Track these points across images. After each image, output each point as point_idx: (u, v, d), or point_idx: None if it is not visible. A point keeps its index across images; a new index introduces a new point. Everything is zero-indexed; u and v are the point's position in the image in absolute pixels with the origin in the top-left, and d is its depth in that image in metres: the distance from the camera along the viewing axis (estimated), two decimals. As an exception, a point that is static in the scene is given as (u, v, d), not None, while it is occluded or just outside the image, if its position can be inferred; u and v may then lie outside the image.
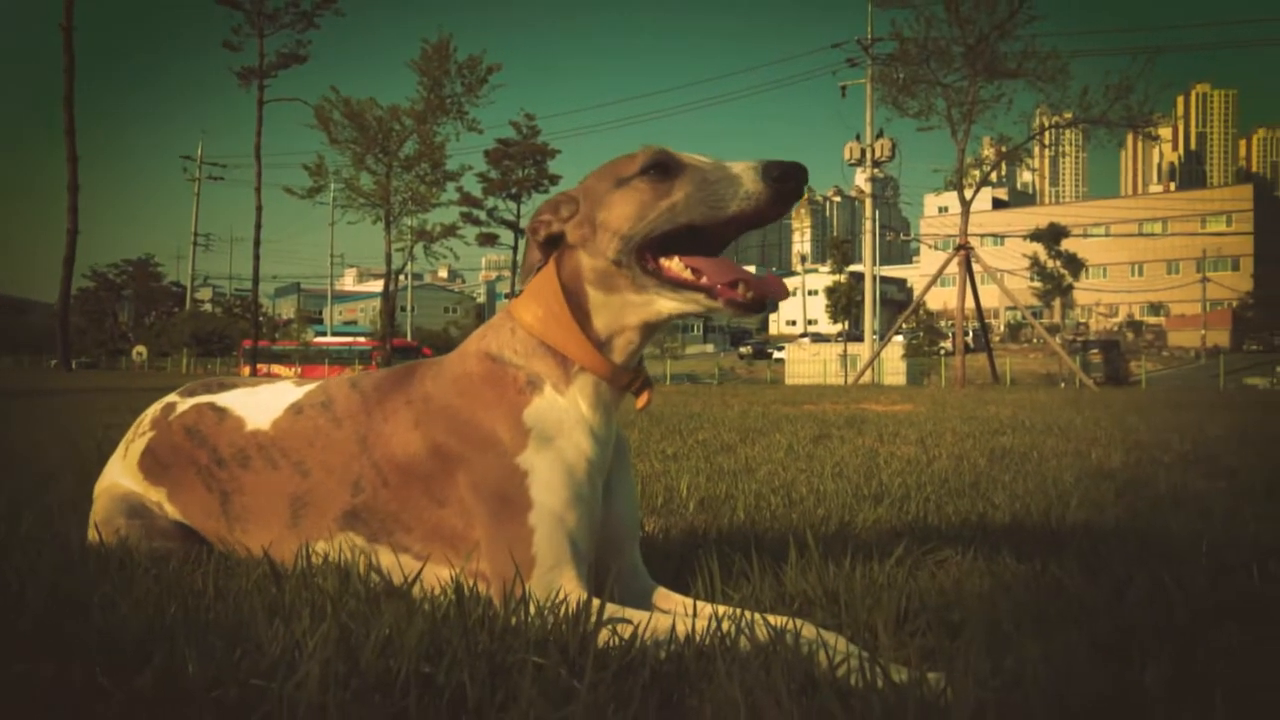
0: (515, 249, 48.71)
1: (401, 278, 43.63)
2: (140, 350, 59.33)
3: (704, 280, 1.51)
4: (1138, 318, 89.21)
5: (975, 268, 25.95)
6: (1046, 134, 26.71)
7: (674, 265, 1.53)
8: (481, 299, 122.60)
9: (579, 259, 1.58)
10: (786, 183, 1.45)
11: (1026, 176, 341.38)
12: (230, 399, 1.87)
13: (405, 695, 1.03)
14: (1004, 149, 25.16)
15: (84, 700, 1.03)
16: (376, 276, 69.41)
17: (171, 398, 1.99)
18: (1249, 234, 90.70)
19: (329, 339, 60.52)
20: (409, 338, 65.48)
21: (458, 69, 38.18)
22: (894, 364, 41.04)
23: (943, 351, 49.19)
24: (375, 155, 38.27)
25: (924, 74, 23.61)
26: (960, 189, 24.94)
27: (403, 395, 1.67)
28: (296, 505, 1.71)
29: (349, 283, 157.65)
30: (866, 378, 32.40)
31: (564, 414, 1.57)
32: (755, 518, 2.74)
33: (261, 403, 1.83)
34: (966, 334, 61.67)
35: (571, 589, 1.46)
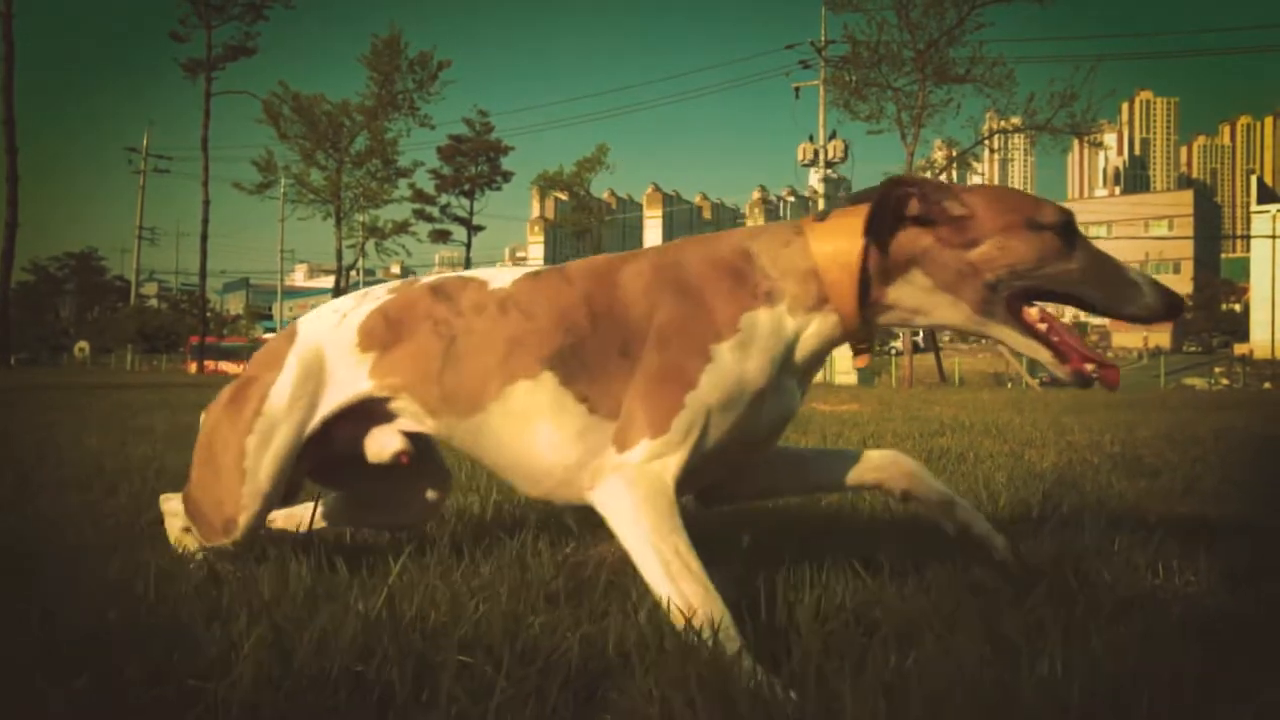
0: (469, 246, 48.49)
1: (354, 274, 43.25)
2: (82, 346, 57.93)
3: (1058, 342, 1.65)
4: (1084, 319, 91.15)
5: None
6: (994, 139, 27.21)
7: (1033, 313, 1.66)
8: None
9: (927, 246, 1.64)
10: (1173, 311, 1.64)
11: (978, 179, 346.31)
12: (479, 271, 2.05)
13: (336, 693, 1.08)
14: (954, 152, 25.59)
15: (26, 701, 1.07)
16: (328, 272, 68.59)
17: (388, 287, 2.11)
18: (1189, 238, 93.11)
19: (279, 336, 59.57)
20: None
21: (409, 65, 37.92)
22: (845, 363, 41.38)
23: (894, 351, 49.79)
24: (325, 151, 37.88)
25: (875, 77, 23.97)
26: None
27: (652, 258, 1.83)
28: (512, 345, 1.84)
29: (300, 278, 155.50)
30: (818, 377, 32.65)
31: (778, 337, 1.68)
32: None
33: (510, 273, 2.00)
34: (916, 334, 62.45)
35: (670, 476, 1.60)
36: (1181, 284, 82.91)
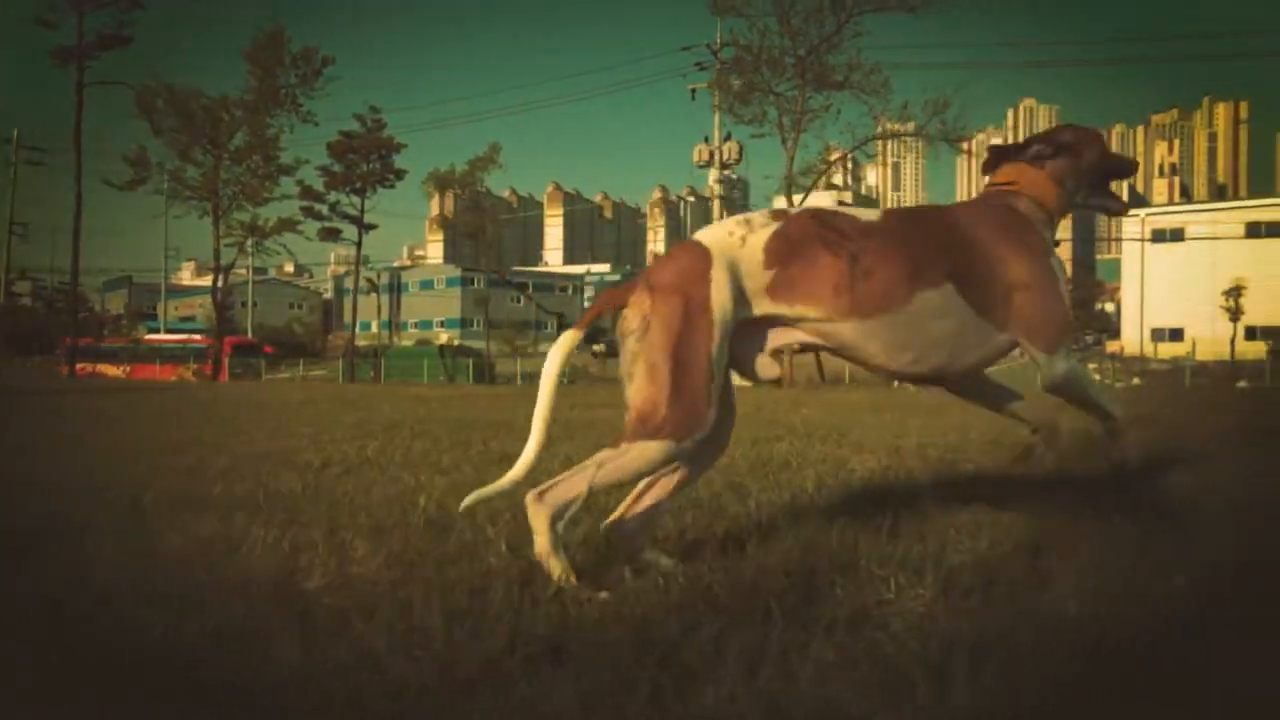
0: (360, 244, 47.37)
1: (243, 271, 41.80)
2: (-54, 349, 54.68)
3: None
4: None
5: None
6: (874, 143, 27.79)
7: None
8: (329, 294, 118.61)
9: (1064, 178, 2.77)
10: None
11: (872, 180, 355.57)
12: (827, 207, 2.74)
13: None
14: (848, 154, 26.20)
15: None
16: (228, 270, 66.24)
17: (763, 215, 2.55)
18: (1068, 240, 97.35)
19: (162, 336, 57.32)
20: (249, 334, 62.81)
21: (292, 60, 36.84)
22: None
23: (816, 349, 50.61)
24: (203, 146, 36.53)
25: (758, 82, 24.34)
26: (789, 195, 25.83)
27: (980, 206, 2.74)
28: (913, 264, 2.46)
29: (186, 277, 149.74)
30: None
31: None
32: (477, 539, 2.79)
33: (861, 210, 2.67)
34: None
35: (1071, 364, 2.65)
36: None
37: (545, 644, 1.70)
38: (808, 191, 27.05)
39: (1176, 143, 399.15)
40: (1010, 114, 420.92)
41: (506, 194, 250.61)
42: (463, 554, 2.61)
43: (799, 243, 2.42)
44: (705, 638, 1.72)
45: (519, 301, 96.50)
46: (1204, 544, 2.72)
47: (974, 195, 2.88)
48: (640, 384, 2.34)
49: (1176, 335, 65.25)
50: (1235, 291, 49.81)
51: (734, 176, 40.89)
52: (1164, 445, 5.65)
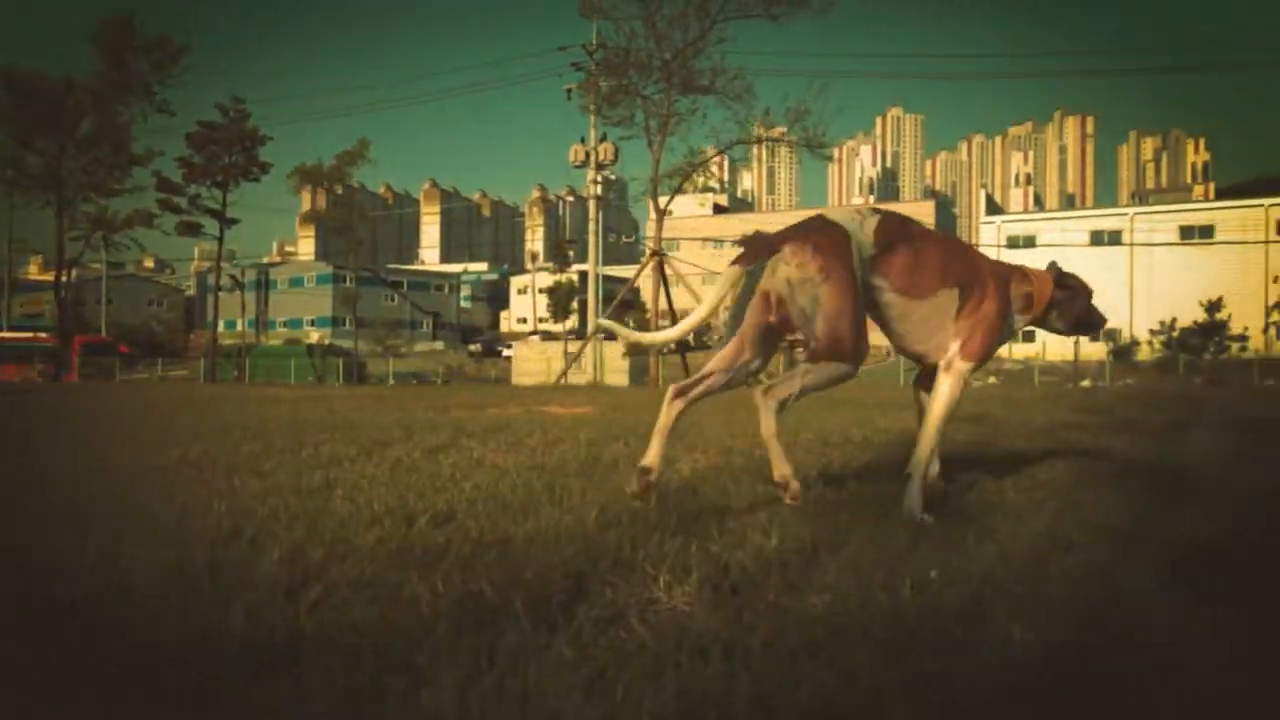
0: (221, 239, 45.57)
1: (96, 266, 39.51)
2: None
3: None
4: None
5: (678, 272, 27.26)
6: (749, 147, 28.25)
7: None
8: (191, 291, 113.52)
9: (1058, 303, 3.81)
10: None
11: (748, 184, 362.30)
12: (908, 216, 3.60)
13: None
14: (710, 160, 26.58)
15: None
16: (72, 265, 62.58)
17: (867, 209, 3.48)
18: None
19: (4, 334, 53.81)
20: (103, 332, 59.59)
21: (145, 45, 35.07)
22: (616, 362, 42.13)
23: (666, 350, 51.09)
24: (45, 133, 34.38)
25: (625, 84, 24.50)
26: (655, 197, 26.11)
27: (1005, 270, 3.73)
28: (947, 265, 3.42)
29: (35, 271, 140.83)
30: (588, 377, 33.10)
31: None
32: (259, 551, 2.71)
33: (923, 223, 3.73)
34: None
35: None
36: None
37: (282, 651, 1.66)
38: (674, 194, 27.35)
39: (1031, 154, 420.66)
40: (878, 122, 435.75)
41: (382, 190, 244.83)
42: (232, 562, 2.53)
43: (891, 233, 3.38)
44: (442, 640, 1.71)
45: (393, 300, 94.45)
46: (968, 538, 2.86)
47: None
48: (829, 318, 3.15)
49: (1029, 336, 68.71)
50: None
51: (612, 177, 40.99)
52: (982, 442, 5.93)
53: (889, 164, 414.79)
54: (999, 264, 3.71)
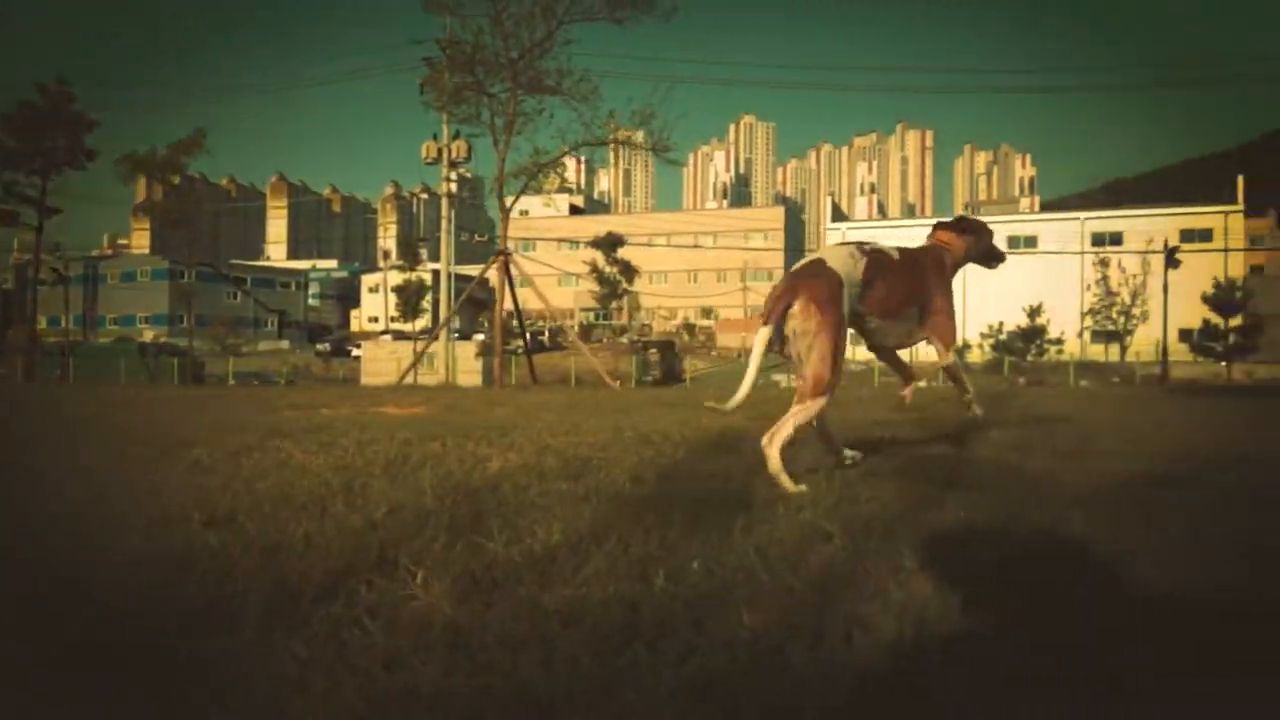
0: (40, 229, 42.52)
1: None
2: None
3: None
4: (693, 320, 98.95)
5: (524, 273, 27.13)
6: (605, 149, 28.25)
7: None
8: (8, 284, 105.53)
9: (969, 247, 4.85)
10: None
11: (604, 185, 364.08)
12: (883, 248, 4.42)
13: None
14: (558, 160, 26.55)
15: None
16: None
17: (839, 245, 4.36)
18: (780, 250, 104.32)
19: None
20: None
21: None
22: (468, 363, 41.57)
23: (519, 350, 50.74)
24: None
25: (471, 82, 24.21)
26: (500, 196, 25.91)
27: (930, 254, 4.60)
28: (910, 287, 4.34)
29: None
30: (439, 377, 32.51)
31: None
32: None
33: (893, 249, 4.48)
34: (542, 335, 63.82)
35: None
36: (766, 291, 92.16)
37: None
38: (519, 194, 27.20)
39: (875, 163, 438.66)
40: (732, 129, 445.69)
41: (224, 183, 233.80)
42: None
43: (873, 270, 4.23)
44: (163, 646, 1.66)
45: (235, 297, 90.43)
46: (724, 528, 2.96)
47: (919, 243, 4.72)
48: (815, 366, 4.04)
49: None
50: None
51: (468, 175, 40.33)
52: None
53: (742, 170, 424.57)
54: (935, 255, 4.62)
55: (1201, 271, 56.79)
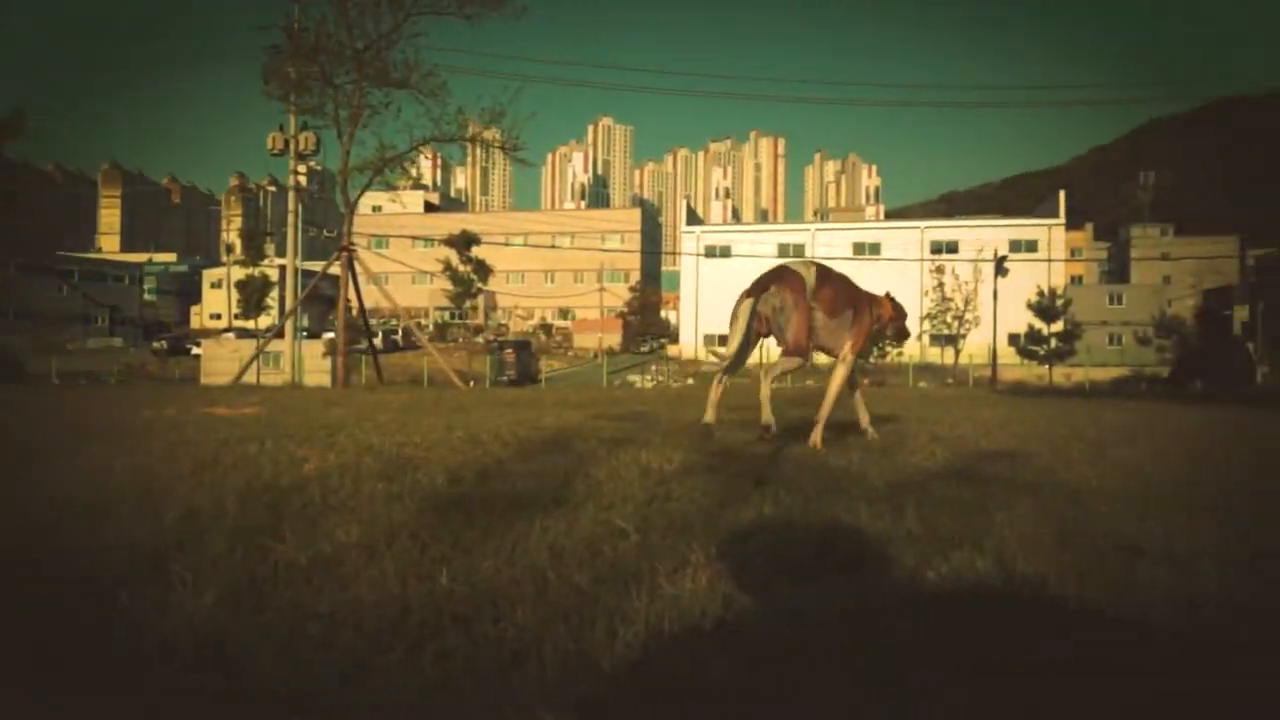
0: None
1: None
2: None
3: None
4: (550, 321, 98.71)
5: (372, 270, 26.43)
6: (463, 146, 27.67)
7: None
8: None
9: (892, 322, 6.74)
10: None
11: (461, 182, 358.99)
12: (827, 264, 6.02)
13: None
14: (438, 155, 25.94)
15: None
16: None
17: (798, 259, 6.08)
18: (637, 252, 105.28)
19: None
20: None
21: None
22: (316, 362, 40.25)
23: (365, 349, 49.40)
24: None
25: (314, 71, 23.44)
26: (344, 190, 25.20)
27: (873, 298, 6.48)
28: (849, 296, 6.08)
29: None
30: (285, 377, 31.32)
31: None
32: None
33: (832, 263, 6.38)
34: (395, 334, 62.30)
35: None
36: (623, 292, 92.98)
37: None
38: (364, 188, 26.47)
39: (730, 169, 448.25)
40: (590, 130, 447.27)
41: (50, 169, 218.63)
42: None
43: (820, 278, 5.75)
44: None
45: (62, 291, 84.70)
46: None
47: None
48: (793, 334, 5.60)
49: (725, 341, 73.00)
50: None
51: (317, 168, 38.95)
52: (626, 439, 6.21)
53: (600, 171, 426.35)
54: (869, 294, 6.41)
55: (1028, 280, 60.60)
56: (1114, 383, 42.08)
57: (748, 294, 5.62)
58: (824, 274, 5.82)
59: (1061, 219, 75.29)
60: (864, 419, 6.40)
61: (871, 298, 6.36)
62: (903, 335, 6.73)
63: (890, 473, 4.45)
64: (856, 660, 1.73)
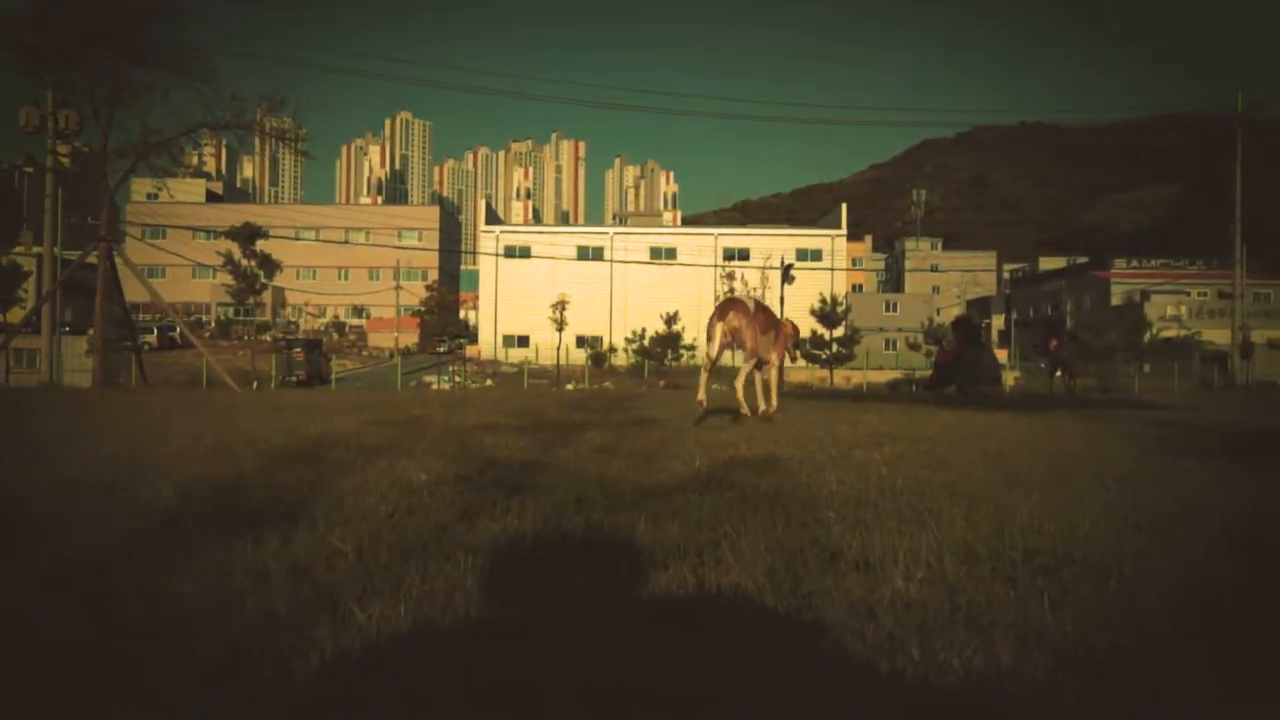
0: None
1: None
2: None
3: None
4: (343, 319, 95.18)
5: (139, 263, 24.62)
6: (226, 132, 26.05)
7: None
8: None
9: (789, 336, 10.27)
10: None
11: (249, 172, 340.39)
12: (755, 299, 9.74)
13: None
14: (223, 143, 24.33)
15: None
16: None
17: (743, 296, 9.84)
18: (436, 250, 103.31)
19: None
20: None
21: None
22: (78, 360, 37.19)
23: (147, 347, 46.01)
24: None
25: (65, 43, 21.52)
26: (103, 175, 23.37)
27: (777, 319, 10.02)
28: (771, 321, 9.47)
29: None
30: (41, 376, 28.74)
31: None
32: None
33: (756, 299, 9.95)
34: (173, 330, 58.21)
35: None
36: (420, 291, 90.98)
37: None
38: (126, 174, 24.60)
39: (531, 170, 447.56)
40: (388, 124, 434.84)
41: None
42: None
43: (758, 308, 9.09)
44: None
45: None
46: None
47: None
48: (749, 343, 8.78)
49: (524, 342, 73.00)
50: (561, 305, 56.99)
51: (83, 149, 35.83)
52: (390, 446, 6.06)
53: (398, 166, 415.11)
54: (780, 320, 9.46)
55: (812, 287, 63.86)
56: (889, 384, 45.04)
57: (717, 317, 8.65)
58: (758, 305, 9.09)
59: (844, 230, 79.78)
60: (764, 405, 9.28)
61: (780, 322, 9.52)
62: (798, 347, 10.46)
63: (646, 481, 4.54)
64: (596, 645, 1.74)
